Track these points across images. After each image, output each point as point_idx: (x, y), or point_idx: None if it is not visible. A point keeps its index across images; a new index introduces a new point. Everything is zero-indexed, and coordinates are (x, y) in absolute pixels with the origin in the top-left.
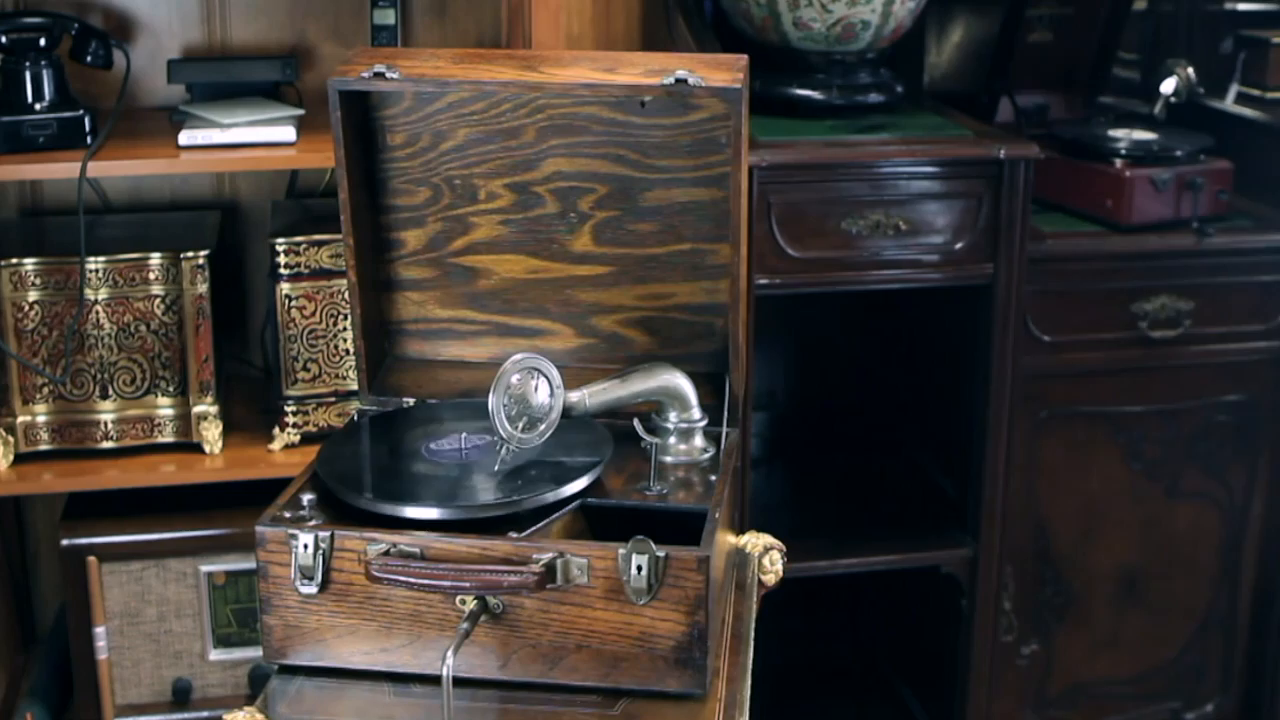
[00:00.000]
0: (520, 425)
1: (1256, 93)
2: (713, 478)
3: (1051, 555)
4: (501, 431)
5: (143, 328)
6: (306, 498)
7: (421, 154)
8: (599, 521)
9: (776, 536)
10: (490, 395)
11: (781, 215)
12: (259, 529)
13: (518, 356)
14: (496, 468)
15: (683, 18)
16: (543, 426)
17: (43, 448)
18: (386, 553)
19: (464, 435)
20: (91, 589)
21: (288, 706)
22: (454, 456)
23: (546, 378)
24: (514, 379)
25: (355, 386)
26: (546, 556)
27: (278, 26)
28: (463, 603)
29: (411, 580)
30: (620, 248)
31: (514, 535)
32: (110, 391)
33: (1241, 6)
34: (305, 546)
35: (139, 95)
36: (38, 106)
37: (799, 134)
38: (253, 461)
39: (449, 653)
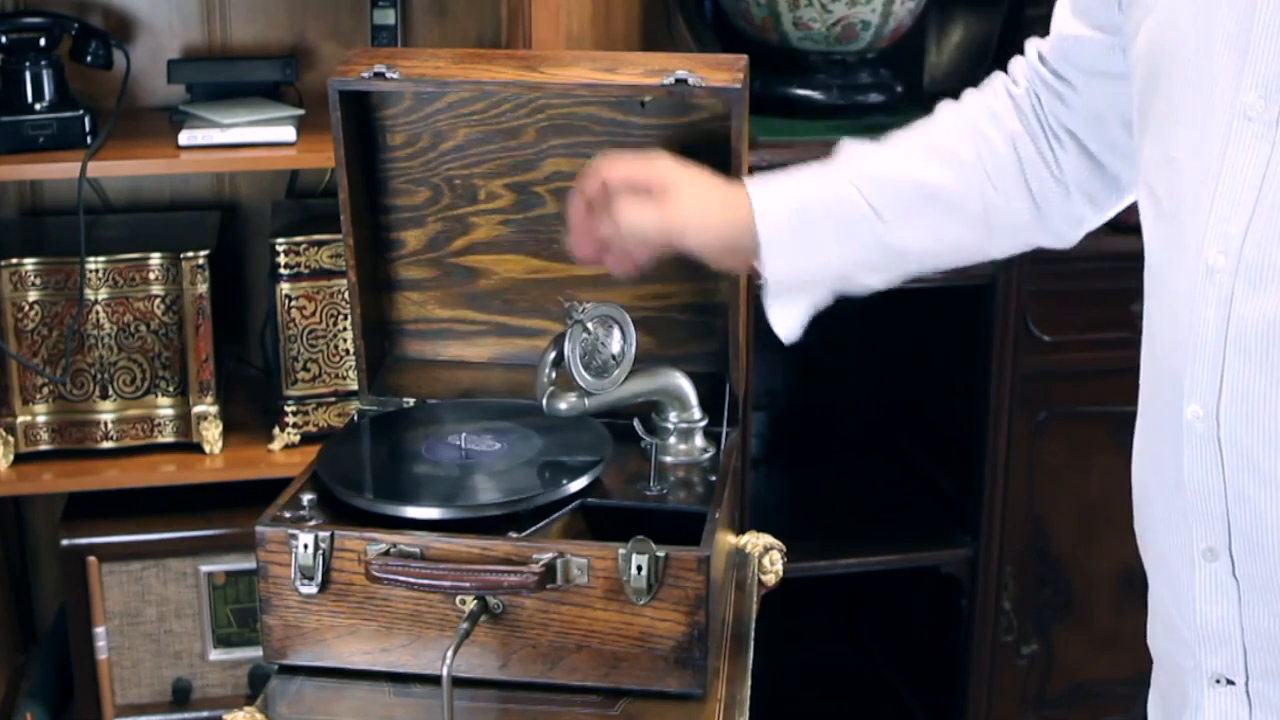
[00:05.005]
0: (589, 371)
1: None
2: (713, 478)
3: (1051, 555)
4: (578, 379)
5: (143, 328)
6: (306, 498)
7: (421, 154)
8: (599, 521)
9: (776, 536)
10: (566, 344)
11: None
12: (259, 529)
13: (589, 305)
14: (564, 406)
15: (683, 18)
16: (616, 372)
17: (43, 448)
18: (386, 553)
19: (464, 435)
20: (91, 589)
21: (288, 706)
22: (454, 456)
23: (619, 325)
24: (590, 325)
25: (355, 386)
26: (546, 556)
27: (278, 26)
28: (463, 603)
29: (411, 580)
30: None
31: (514, 535)
32: (110, 391)
33: None
34: (305, 546)
35: (139, 95)
36: (38, 106)
37: (799, 134)
38: (253, 461)
39: (449, 653)
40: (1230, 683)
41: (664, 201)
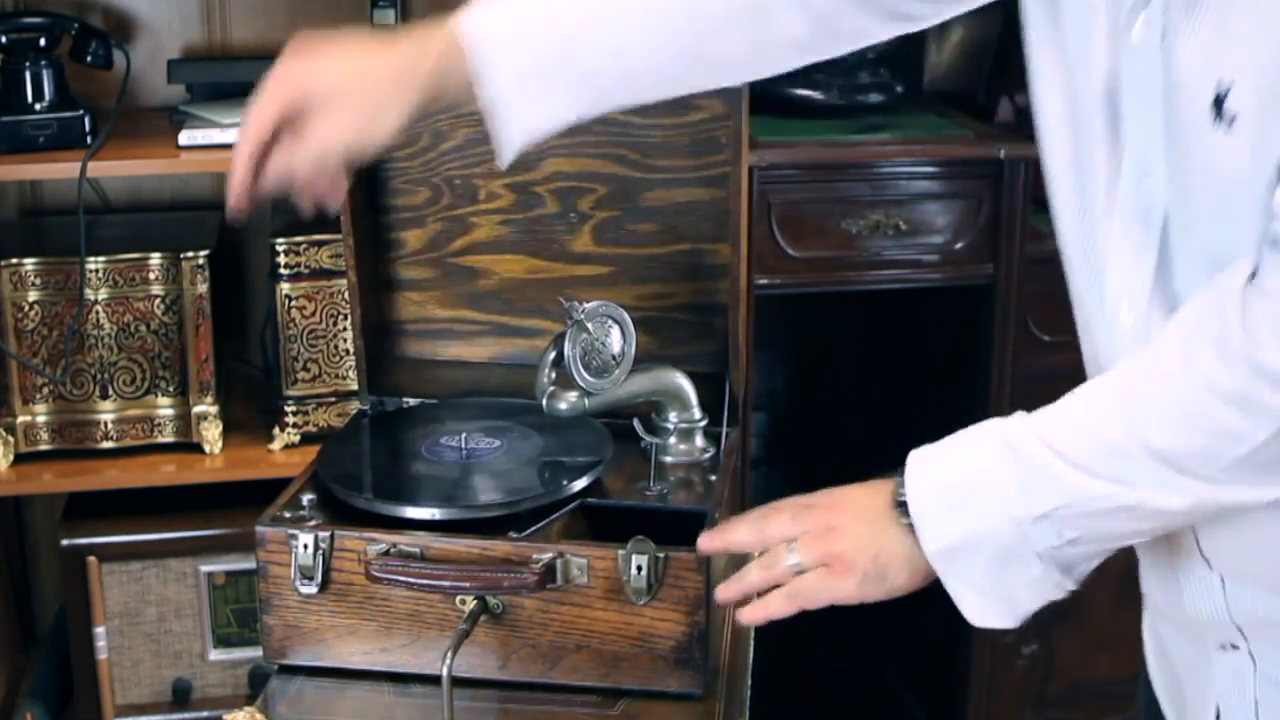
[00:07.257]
0: (590, 371)
1: None
2: (713, 478)
3: None
4: (578, 379)
5: (143, 328)
6: (306, 498)
7: (421, 154)
8: (599, 521)
9: None
10: (566, 344)
11: (781, 215)
12: (259, 529)
13: (589, 305)
14: (564, 406)
15: None
16: (616, 372)
17: (43, 448)
18: (386, 553)
19: (464, 435)
20: (91, 589)
21: (288, 706)
22: (454, 456)
23: (620, 325)
24: (589, 325)
25: (355, 386)
26: (546, 556)
27: (278, 26)
28: (463, 603)
29: (411, 580)
30: (620, 248)
31: (514, 535)
32: (110, 391)
33: None
34: (305, 546)
35: (139, 95)
36: (38, 106)
37: (799, 134)
38: (253, 461)
39: (449, 653)
40: (1234, 647)
41: (330, 111)
